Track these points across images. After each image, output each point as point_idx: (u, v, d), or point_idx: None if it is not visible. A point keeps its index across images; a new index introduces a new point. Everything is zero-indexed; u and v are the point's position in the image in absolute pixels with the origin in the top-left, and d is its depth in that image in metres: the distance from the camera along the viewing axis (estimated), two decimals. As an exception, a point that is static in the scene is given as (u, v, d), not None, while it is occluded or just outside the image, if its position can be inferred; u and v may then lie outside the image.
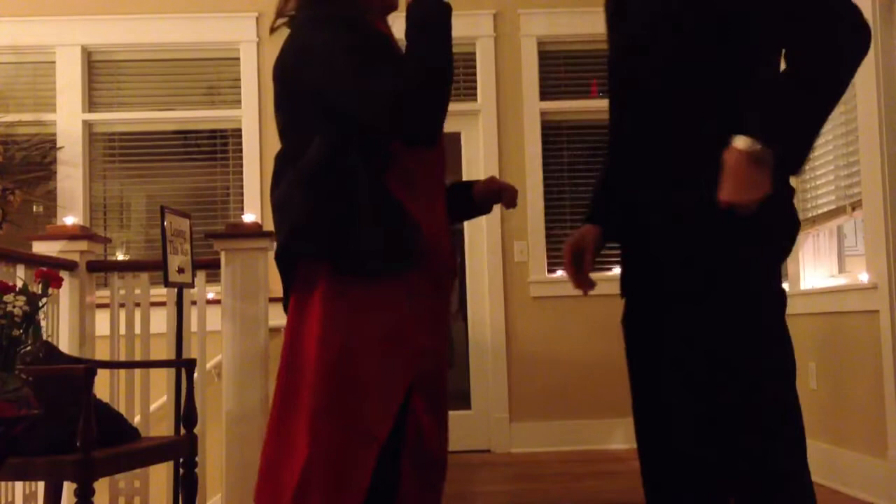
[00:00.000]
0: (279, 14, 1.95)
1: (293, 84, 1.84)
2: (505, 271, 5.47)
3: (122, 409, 3.58)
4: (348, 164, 1.77)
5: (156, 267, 3.89)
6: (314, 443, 1.73)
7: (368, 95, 1.72)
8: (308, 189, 1.78)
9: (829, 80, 1.61)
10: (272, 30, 1.97)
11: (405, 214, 1.79)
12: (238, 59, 5.54)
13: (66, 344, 3.77)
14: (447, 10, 1.79)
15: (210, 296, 3.99)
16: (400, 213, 1.78)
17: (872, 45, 3.82)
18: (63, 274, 3.50)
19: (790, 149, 1.59)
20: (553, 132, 5.63)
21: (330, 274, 1.77)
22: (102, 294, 4.24)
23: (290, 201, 1.81)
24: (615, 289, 2.14)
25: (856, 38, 1.63)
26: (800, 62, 1.62)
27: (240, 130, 5.50)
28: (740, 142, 1.56)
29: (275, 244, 1.90)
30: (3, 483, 3.14)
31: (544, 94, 5.60)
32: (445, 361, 1.97)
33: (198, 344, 3.86)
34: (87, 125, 5.50)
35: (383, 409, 1.78)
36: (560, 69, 5.68)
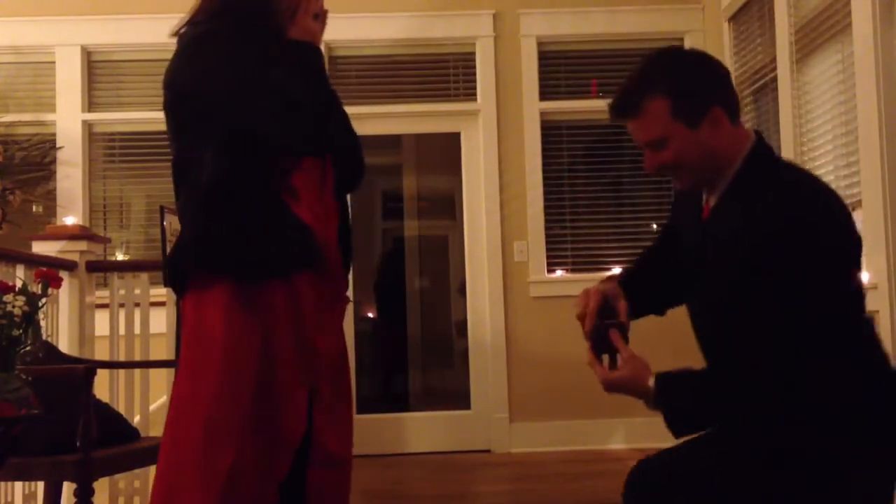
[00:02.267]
0: (188, 22, 1.98)
1: (190, 94, 1.89)
2: (505, 271, 5.47)
3: (122, 409, 3.58)
4: (244, 180, 1.83)
5: (156, 267, 3.89)
6: (240, 451, 1.75)
7: (273, 107, 1.81)
8: (204, 207, 1.84)
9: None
10: (175, 34, 2.00)
11: (299, 221, 1.85)
12: (238, 59, 5.53)
13: (66, 344, 3.77)
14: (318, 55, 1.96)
15: (210, 296, 3.99)
16: (295, 221, 1.85)
17: (872, 44, 3.82)
18: (63, 274, 3.50)
19: (669, 418, 1.71)
20: (553, 132, 5.63)
21: (229, 283, 1.81)
22: (102, 294, 4.24)
23: (187, 218, 1.87)
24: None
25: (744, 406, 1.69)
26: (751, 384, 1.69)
27: (240, 130, 5.49)
28: (652, 380, 1.72)
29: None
30: (3, 483, 3.14)
31: (544, 94, 5.60)
32: (345, 364, 2.02)
33: (198, 344, 3.85)
34: (87, 125, 5.49)
35: (296, 413, 1.83)
36: (560, 69, 5.67)
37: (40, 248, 3.89)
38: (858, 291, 1.76)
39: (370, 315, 6.26)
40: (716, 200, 1.80)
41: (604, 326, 1.79)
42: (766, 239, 1.64)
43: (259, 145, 1.84)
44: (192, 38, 1.93)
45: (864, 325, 1.77)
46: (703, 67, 1.80)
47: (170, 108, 1.96)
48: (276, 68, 1.86)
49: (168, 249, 3.59)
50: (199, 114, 1.87)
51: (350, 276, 5.85)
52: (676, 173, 1.80)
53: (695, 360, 1.85)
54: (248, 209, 1.82)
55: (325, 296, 1.92)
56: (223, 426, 1.76)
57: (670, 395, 1.71)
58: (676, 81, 1.75)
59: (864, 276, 3.80)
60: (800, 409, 1.66)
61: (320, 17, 2.04)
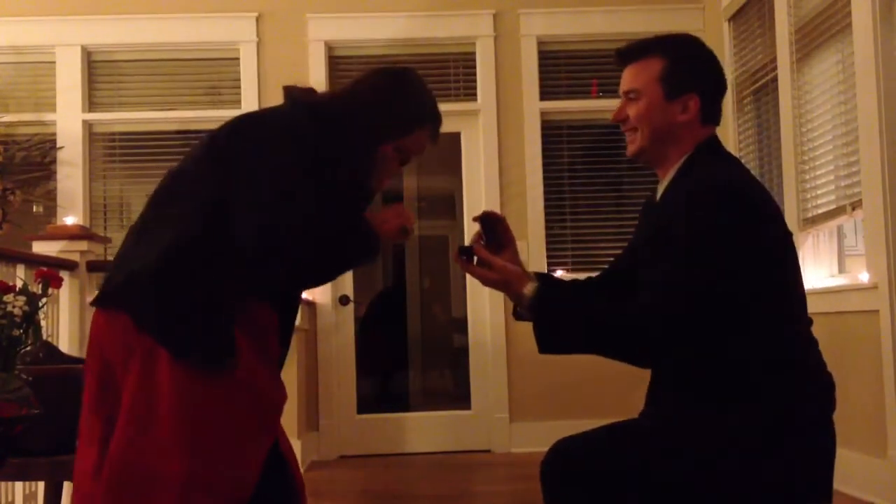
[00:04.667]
0: (321, 94, 1.97)
1: (238, 152, 1.81)
2: (505, 271, 5.46)
3: (122, 409, 3.58)
4: (205, 258, 1.75)
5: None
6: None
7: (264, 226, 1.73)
8: (164, 267, 1.74)
9: (630, 337, 1.75)
10: (291, 89, 1.96)
11: (230, 319, 1.78)
12: (238, 59, 5.54)
13: (66, 344, 3.78)
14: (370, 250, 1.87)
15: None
16: (228, 317, 1.77)
17: (872, 44, 3.83)
18: (63, 274, 3.50)
19: (538, 329, 1.80)
20: (553, 132, 5.63)
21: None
22: (102, 294, 4.23)
23: (142, 253, 1.78)
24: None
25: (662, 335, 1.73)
26: (626, 306, 1.79)
27: (240, 130, 5.48)
28: (531, 287, 1.83)
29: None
30: (3, 483, 3.14)
31: (544, 94, 5.60)
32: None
33: (198, 344, 3.85)
34: (87, 125, 5.50)
35: (248, 469, 1.79)
36: (560, 69, 5.68)
37: (40, 248, 3.89)
38: (795, 279, 1.83)
39: (370, 315, 6.25)
40: (665, 186, 1.92)
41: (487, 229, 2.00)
42: (700, 196, 1.75)
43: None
44: (298, 108, 1.89)
45: (799, 319, 1.82)
46: (708, 63, 1.93)
47: (213, 142, 1.87)
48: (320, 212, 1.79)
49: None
50: (227, 172, 1.80)
51: (350, 276, 5.84)
52: (632, 133, 1.93)
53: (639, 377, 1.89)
54: (201, 291, 1.75)
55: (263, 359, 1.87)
56: (166, 480, 1.71)
57: (547, 308, 1.83)
58: (680, 55, 1.90)
59: (864, 276, 3.80)
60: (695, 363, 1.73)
61: (406, 157, 2.01)
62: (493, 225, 2.01)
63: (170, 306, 1.75)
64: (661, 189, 1.94)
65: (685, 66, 1.89)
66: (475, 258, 1.93)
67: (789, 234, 1.84)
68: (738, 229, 1.71)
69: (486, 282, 1.90)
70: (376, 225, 1.88)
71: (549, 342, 1.80)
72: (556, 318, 1.81)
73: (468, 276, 5.46)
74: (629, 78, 1.92)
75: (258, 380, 1.82)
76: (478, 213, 2.05)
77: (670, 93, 1.87)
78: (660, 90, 1.87)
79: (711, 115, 1.91)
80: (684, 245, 1.72)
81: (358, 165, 1.92)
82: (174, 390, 1.73)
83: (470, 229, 5.56)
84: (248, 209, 1.74)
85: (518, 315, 1.96)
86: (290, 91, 1.96)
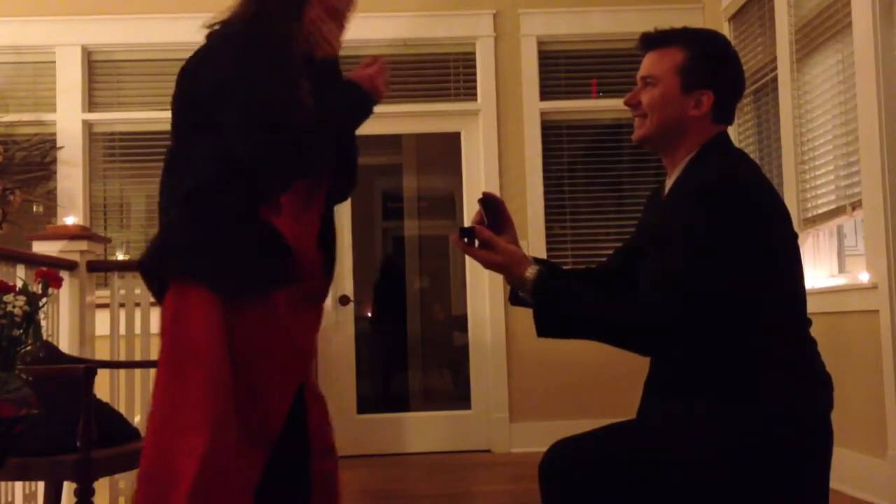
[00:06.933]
0: (221, 22, 2.06)
1: (191, 96, 1.93)
2: (505, 271, 5.46)
3: (122, 409, 3.58)
4: (225, 193, 1.85)
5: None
6: (210, 445, 1.78)
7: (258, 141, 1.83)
8: (186, 215, 1.87)
9: (611, 326, 1.77)
10: (208, 27, 2.08)
11: (280, 240, 1.87)
12: (238, 59, 5.53)
13: (66, 344, 3.77)
14: (365, 110, 2.04)
15: (210, 296, 3.99)
16: (275, 240, 1.87)
17: (872, 44, 3.82)
18: (63, 274, 3.50)
19: (538, 312, 1.79)
20: (553, 132, 5.63)
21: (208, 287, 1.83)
22: (102, 294, 4.24)
23: (167, 218, 1.92)
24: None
25: (647, 337, 1.75)
26: (628, 299, 1.82)
27: (240, 130, 5.48)
28: (532, 269, 1.80)
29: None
30: (3, 483, 3.14)
31: (544, 94, 5.60)
32: (313, 362, 2.10)
33: (198, 344, 3.84)
34: (87, 125, 5.49)
35: (275, 412, 1.88)
36: (560, 69, 5.67)
37: (40, 247, 3.89)
38: (796, 275, 1.82)
39: (370, 315, 6.26)
40: (673, 182, 1.91)
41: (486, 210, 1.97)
42: (707, 194, 1.74)
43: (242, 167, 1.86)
44: (215, 39, 2.01)
45: (800, 319, 1.82)
46: (730, 63, 1.93)
47: (173, 101, 1.99)
48: (279, 91, 1.87)
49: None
50: (195, 117, 1.90)
51: (350, 276, 5.84)
52: (640, 119, 1.93)
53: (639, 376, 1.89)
54: (229, 224, 1.85)
55: (301, 299, 1.95)
56: (202, 416, 1.79)
57: (549, 292, 1.81)
58: (704, 50, 1.90)
59: (864, 276, 3.79)
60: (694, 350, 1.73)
61: (340, 14, 2.03)
62: (493, 207, 1.98)
63: (199, 242, 1.86)
64: (668, 183, 1.93)
65: (706, 61, 1.89)
66: (476, 241, 1.90)
67: (795, 236, 1.83)
68: (744, 228, 1.71)
69: (487, 264, 1.87)
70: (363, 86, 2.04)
71: (548, 326, 1.79)
72: (556, 303, 1.80)
73: (468, 276, 5.53)
74: (649, 63, 1.93)
75: (288, 321, 1.90)
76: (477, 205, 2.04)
77: (687, 85, 1.87)
78: (677, 81, 1.87)
79: (724, 114, 1.91)
80: (688, 242, 1.72)
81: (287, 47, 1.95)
82: (203, 329, 1.82)
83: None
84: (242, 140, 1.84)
85: (515, 299, 1.95)
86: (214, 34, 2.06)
